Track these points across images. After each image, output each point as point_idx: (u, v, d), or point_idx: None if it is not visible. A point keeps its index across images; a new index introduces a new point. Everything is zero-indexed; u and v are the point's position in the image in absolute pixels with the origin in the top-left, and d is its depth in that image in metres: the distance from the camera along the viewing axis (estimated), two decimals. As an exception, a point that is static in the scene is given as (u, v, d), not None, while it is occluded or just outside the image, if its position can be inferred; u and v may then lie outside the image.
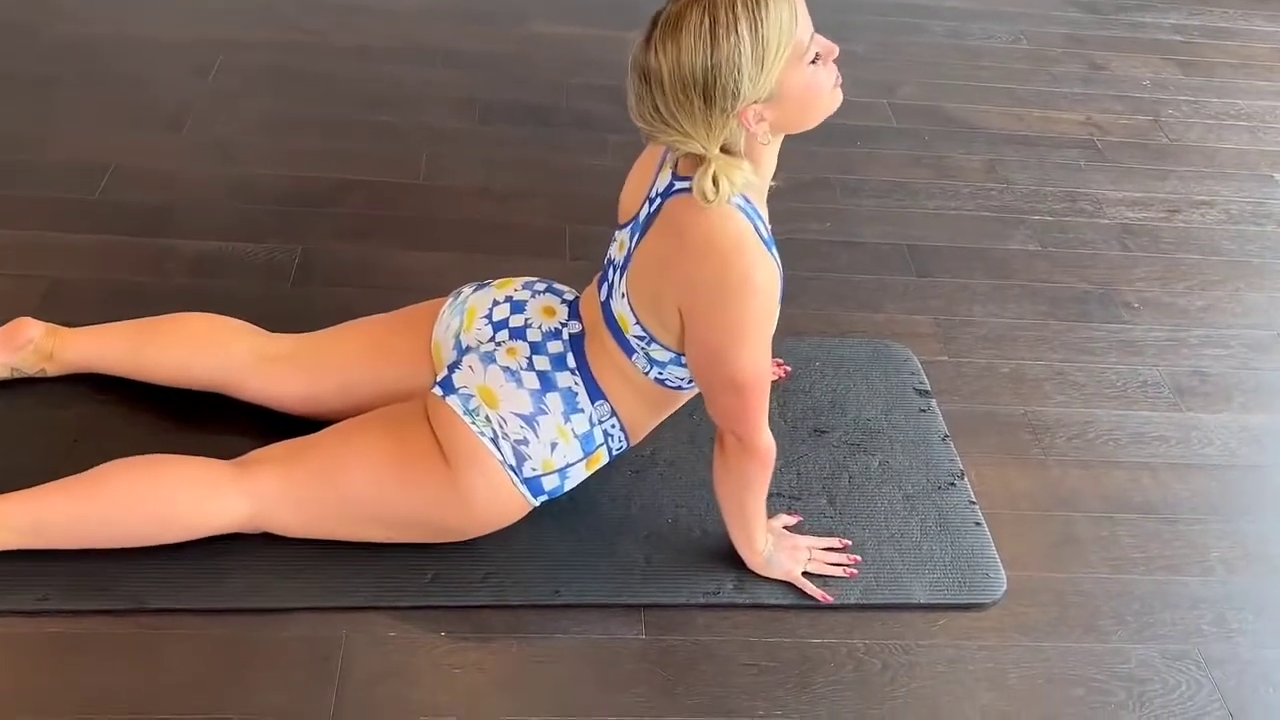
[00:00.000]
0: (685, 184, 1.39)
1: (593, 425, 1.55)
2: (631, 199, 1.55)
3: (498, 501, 1.54)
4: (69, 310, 1.90)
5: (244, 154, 2.42)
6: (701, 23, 1.26)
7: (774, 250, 1.43)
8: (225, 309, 1.81)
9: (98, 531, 1.50)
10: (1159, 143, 2.89)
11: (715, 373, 1.44)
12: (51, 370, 1.75)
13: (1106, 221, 2.56)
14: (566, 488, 1.58)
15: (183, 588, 1.50)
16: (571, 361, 1.55)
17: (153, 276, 2.05)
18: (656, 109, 1.31)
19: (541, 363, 1.55)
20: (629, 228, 1.53)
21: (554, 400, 1.53)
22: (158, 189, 2.28)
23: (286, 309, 2.00)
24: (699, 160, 1.35)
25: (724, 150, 1.34)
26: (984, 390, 2.04)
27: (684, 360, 1.50)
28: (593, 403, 1.55)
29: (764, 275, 1.38)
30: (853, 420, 1.92)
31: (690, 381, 1.56)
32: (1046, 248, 2.45)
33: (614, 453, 1.61)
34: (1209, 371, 2.15)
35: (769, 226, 1.45)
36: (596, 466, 1.60)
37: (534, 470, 1.52)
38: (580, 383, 1.55)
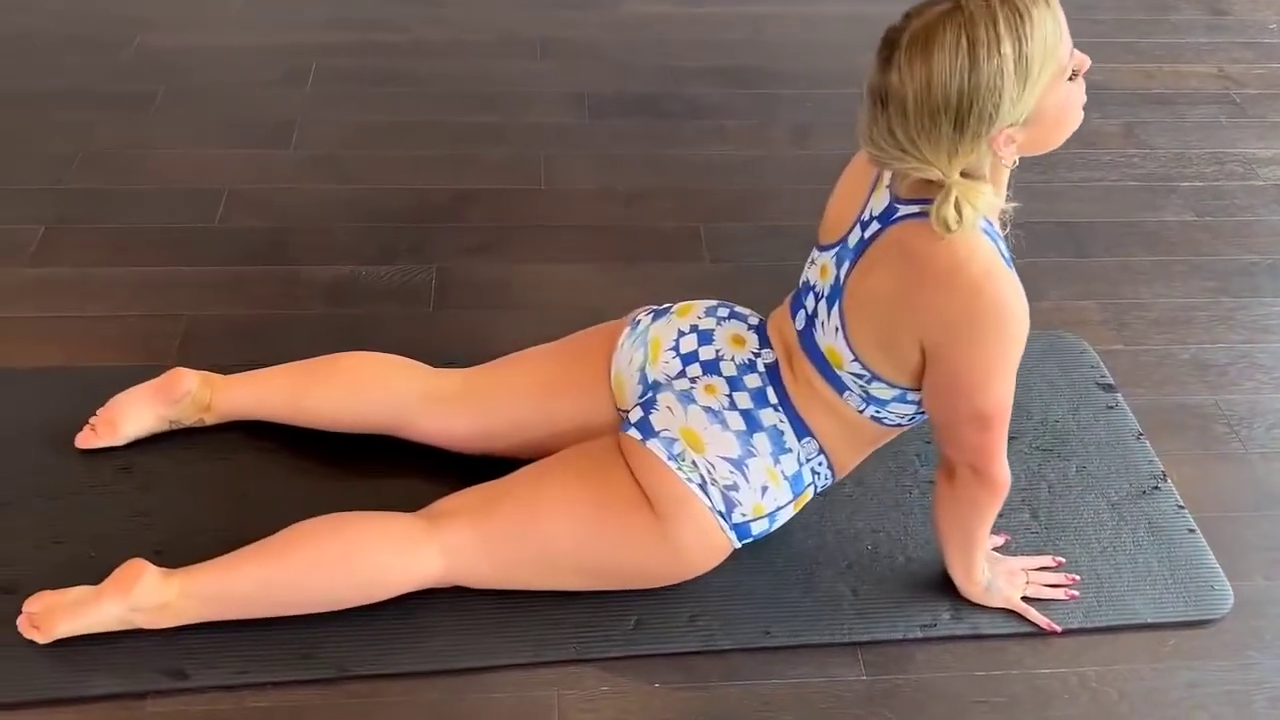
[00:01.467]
0: (913, 209, 1.29)
1: (801, 464, 1.46)
2: (837, 218, 1.43)
3: (706, 548, 1.45)
4: (212, 348, 1.84)
5: (356, 167, 2.32)
6: (959, 42, 1.14)
7: (1013, 271, 1.33)
8: (368, 338, 1.74)
9: (289, 597, 1.43)
10: (1300, 92, 2.73)
11: (961, 407, 1.34)
12: (210, 420, 1.68)
13: (1261, 183, 2.41)
14: (774, 528, 1.49)
15: (385, 651, 1.43)
16: (773, 397, 1.46)
17: (289, 307, 1.96)
18: (892, 134, 1.20)
19: (743, 400, 1.45)
20: (833, 251, 1.41)
21: (761, 441, 1.43)
22: (276, 211, 2.19)
23: (431, 333, 1.92)
24: (929, 184, 1.24)
25: (963, 174, 1.22)
26: (1168, 380, 1.92)
27: (910, 398, 1.40)
28: (799, 440, 1.45)
29: (1017, 300, 1.28)
30: (1040, 423, 1.81)
31: (911, 418, 1.46)
32: (1203, 217, 2.31)
33: (819, 490, 1.52)
34: (1407, 343, 2.02)
35: (1010, 245, 1.34)
36: (804, 505, 1.51)
37: (744, 515, 1.44)
38: (785, 420, 1.45)
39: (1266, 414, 1.87)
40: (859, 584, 1.56)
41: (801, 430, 1.45)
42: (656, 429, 1.44)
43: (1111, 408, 1.84)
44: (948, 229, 1.21)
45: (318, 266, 2.06)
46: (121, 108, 2.47)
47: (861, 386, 1.40)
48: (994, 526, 1.62)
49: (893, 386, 1.38)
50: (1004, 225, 1.33)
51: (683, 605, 1.51)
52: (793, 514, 1.50)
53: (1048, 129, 1.25)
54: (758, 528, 1.46)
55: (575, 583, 1.49)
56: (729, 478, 1.41)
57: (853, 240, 1.37)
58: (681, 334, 1.54)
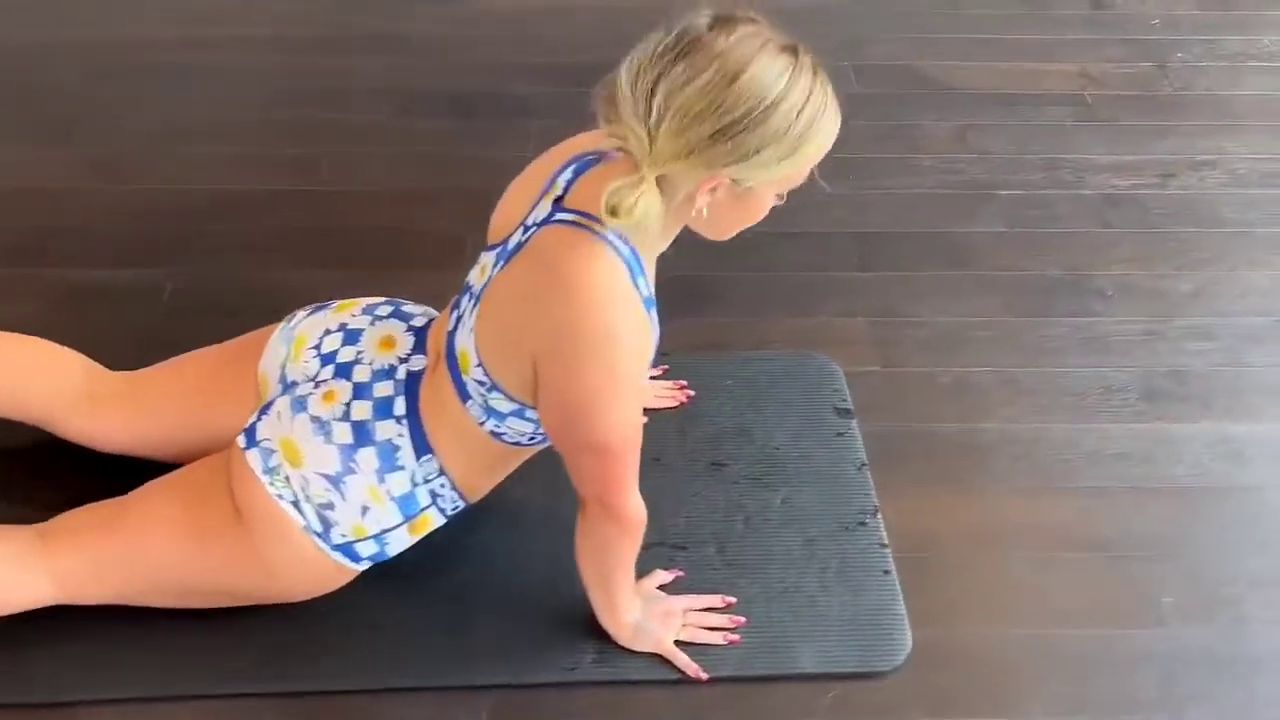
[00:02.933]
0: (569, 216, 1.23)
1: (415, 485, 1.37)
2: (506, 220, 1.35)
3: (308, 569, 1.38)
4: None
5: (133, 167, 2.27)
6: (784, 69, 1.10)
7: (653, 312, 1.28)
8: (93, 344, 1.67)
9: None
10: (1162, 94, 2.56)
11: (574, 435, 1.27)
12: None
13: (1089, 192, 2.26)
14: (391, 553, 1.41)
15: (-23, 681, 1.38)
16: (400, 407, 1.37)
17: (28, 306, 1.91)
18: (652, 93, 1.09)
19: (361, 411, 1.37)
20: (495, 251, 1.34)
21: (367, 458, 1.35)
22: (40, 211, 2.15)
23: (161, 341, 1.85)
24: (619, 173, 1.15)
25: (657, 181, 1.14)
26: (919, 405, 1.81)
27: (528, 414, 1.32)
28: (418, 458, 1.37)
29: (631, 331, 1.22)
30: (758, 449, 1.70)
31: (533, 439, 1.38)
32: (1014, 228, 2.17)
33: (448, 513, 1.43)
34: (1188, 370, 1.88)
35: (651, 287, 1.28)
36: (428, 529, 1.43)
37: (344, 536, 1.36)
38: (406, 434, 1.37)
39: (1016, 444, 1.75)
40: (503, 622, 1.47)
41: (422, 447, 1.37)
42: (259, 438, 1.37)
43: (841, 435, 1.73)
44: (612, 215, 1.12)
45: (65, 270, 2.01)
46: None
47: (483, 395, 1.32)
48: (673, 563, 1.54)
49: (510, 400, 1.30)
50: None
51: (311, 642, 1.44)
52: (413, 538, 1.42)
53: (739, 213, 1.23)
54: (366, 550, 1.38)
55: (193, 602, 1.43)
56: (324, 495, 1.34)
57: (513, 242, 1.30)
58: (328, 332, 1.46)
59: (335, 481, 1.34)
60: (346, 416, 1.36)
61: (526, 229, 1.29)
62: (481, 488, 1.44)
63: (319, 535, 1.35)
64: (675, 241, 1.31)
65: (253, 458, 1.36)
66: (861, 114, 2.45)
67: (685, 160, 1.12)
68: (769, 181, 1.18)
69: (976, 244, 2.13)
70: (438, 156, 2.32)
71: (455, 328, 1.36)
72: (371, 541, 1.38)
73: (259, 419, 1.40)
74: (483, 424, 1.36)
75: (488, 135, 2.37)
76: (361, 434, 1.36)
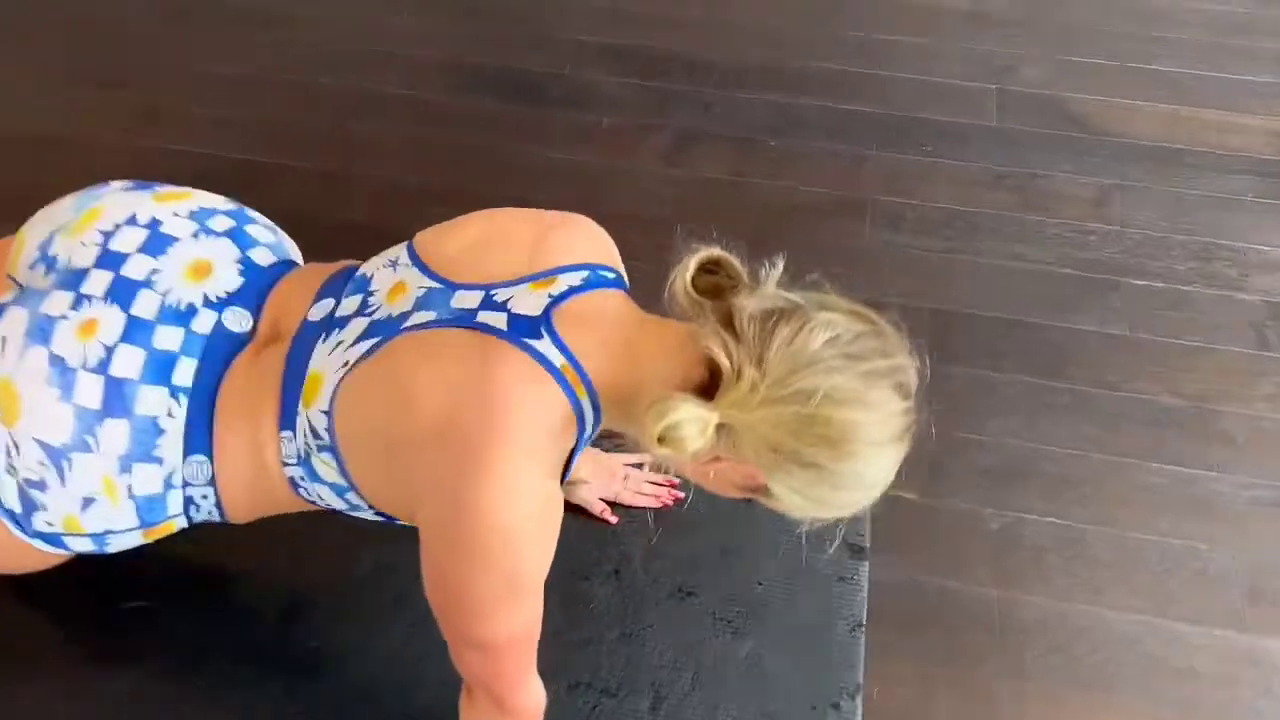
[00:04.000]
0: (547, 347, 0.96)
1: (170, 487, 1.06)
2: (466, 259, 1.04)
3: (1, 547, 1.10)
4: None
5: (167, 121, 2.12)
6: (886, 397, 0.92)
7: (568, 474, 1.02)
8: None
9: None
10: (1377, 172, 2.07)
11: (456, 628, 1.02)
12: None
13: (1249, 297, 1.83)
14: (112, 551, 1.13)
15: None
16: (185, 374, 1.03)
17: None
18: (794, 367, 0.89)
19: (128, 361, 1.02)
20: (437, 293, 1.01)
21: (114, 435, 1.02)
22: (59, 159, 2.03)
23: None
24: (659, 349, 0.97)
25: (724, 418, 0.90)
26: (952, 556, 1.48)
27: (353, 500, 1.05)
28: (188, 455, 1.05)
29: (548, 524, 0.97)
30: (738, 582, 1.42)
31: (336, 510, 1.11)
32: (1137, 331, 1.78)
33: (195, 522, 1.13)
34: (1316, 564, 1.48)
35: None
36: (166, 534, 1.13)
37: (49, 526, 1.07)
38: (185, 417, 1.04)
39: (1053, 629, 1.41)
40: None
41: (199, 443, 1.05)
42: None
43: (843, 579, 1.43)
44: (661, 441, 0.88)
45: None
46: None
47: (309, 447, 1.03)
48: (598, 709, 1.30)
49: (347, 483, 1.03)
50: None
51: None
52: (143, 541, 1.12)
53: (707, 476, 0.98)
54: (78, 545, 1.10)
55: None
56: (36, 471, 1.03)
57: (464, 306, 1.00)
58: (134, 220, 1.11)
59: (57, 457, 1.01)
60: (104, 366, 1.01)
61: (489, 305, 1.00)
62: (250, 517, 1.14)
63: (12, 518, 1.06)
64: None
65: None
66: (987, 153, 2.08)
67: (752, 434, 0.89)
68: (781, 500, 0.96)
69: (1083, 346, 1.75)
70: (482, 148, 2.07)
71: (320, 329, 1.04)
72: (88, 540, 1.09)
73: None
74: (287, 466, 1.05)
75: (545, 127, 2.11)
76: (116, 398, 1.01)
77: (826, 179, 2.01)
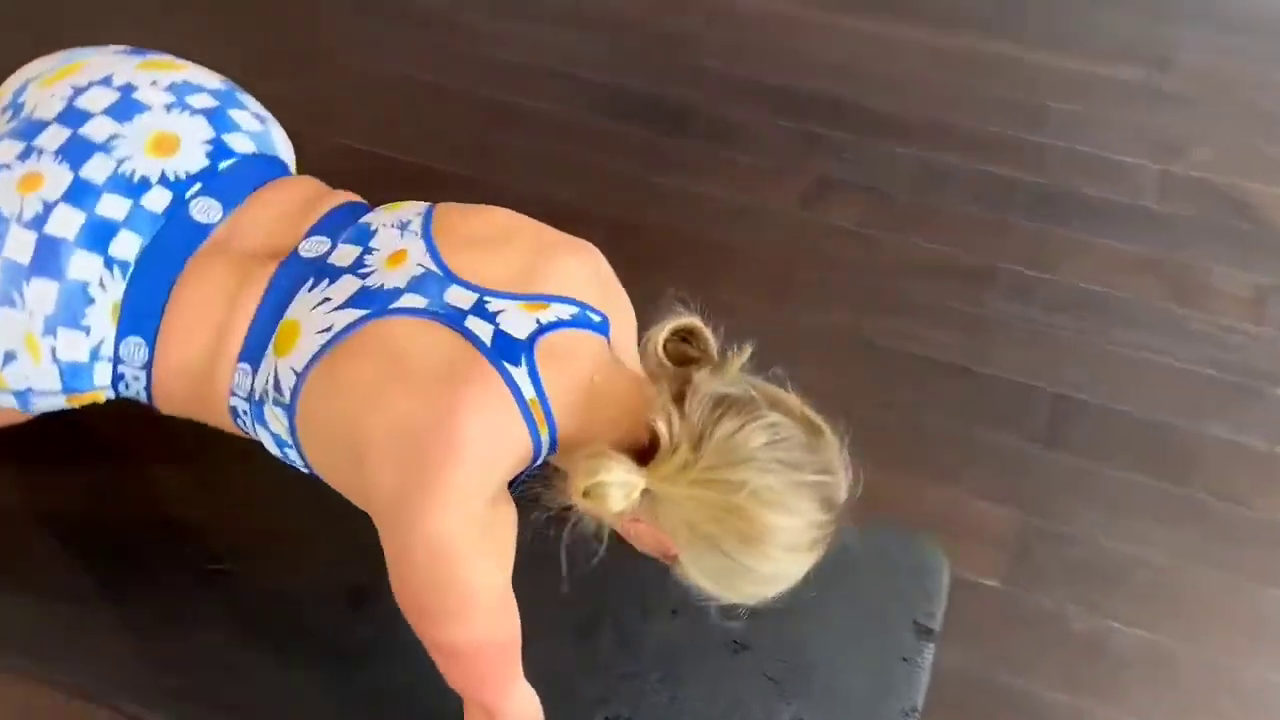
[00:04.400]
0: (524, 373, 0.97)
1: (96, 358, 1.03)
2: (476, 249, 1.05)
3: None
4: None
5: (321, 118, 2.23)
6: (809, 508, 0.94)
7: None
8: None
9: None
10: None
11: (420, 629, 1.03)
12: None
13: None
14: (37, 410, 1.11)
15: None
16: (125, 249, 0.99)
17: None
18: (732, 458, 0.91)
19: (63, 222, 0.98)
20: (432, 276, 1.01)
21: (41, 294, 0.98)
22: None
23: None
24: (620, 410, 0.98)
25: (641, 452, 0.93)
26: (1026, 654, 1.41)
27: (294, 454, 1.05)
28: (125, 335, 1.02)
29: (474, 540, 0.98)
30: (794, 643, 1.39)
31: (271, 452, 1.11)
32: (1275, 446, 1.65)
33: (121, 397, 1.12)
34: None
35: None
36: (91, 403, 1.12)
37: None
38: (119, 294, 1.00)
39: (1132, 751, 1.32)
40: None
41: (142, 328, 1.02)
42: None
43: (906, 660, 1.38)
44: (585, 495, 0.91)
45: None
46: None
47: (267, 395, 1.00)
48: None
49: (294, 444, 1.02)
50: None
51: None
52: (68, 406, 1.11)
53: (623, 524, 1.00)
54: (2, 400, 1.08)
55: None
56: None
57: (457, 302, 1.00)
58: (109, 83, 1.07)
59: None
60: (39, 223, 0.97)
61: (479, 312, 0.99)
62: (182, 415, 1.12)
63: None
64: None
65: None
66: (1139, 235, 1.98)
67: (674, 508, 0.92)
68: (687, 575, 0.99)
69: (1212, 454, 1.63)
70: (618, 171, 2.09)
71: (310, 277, 1.01)
72: (10, 396, 1.07)
73: None
74: (235, 398, 1.03)
75: (681, 159, 2.12)
76: (48, 258, 0.97)
77: (958, 240, 1.94)
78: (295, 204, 1.09)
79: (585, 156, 2.12)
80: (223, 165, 1.08)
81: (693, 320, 0.98)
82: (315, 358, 0.98)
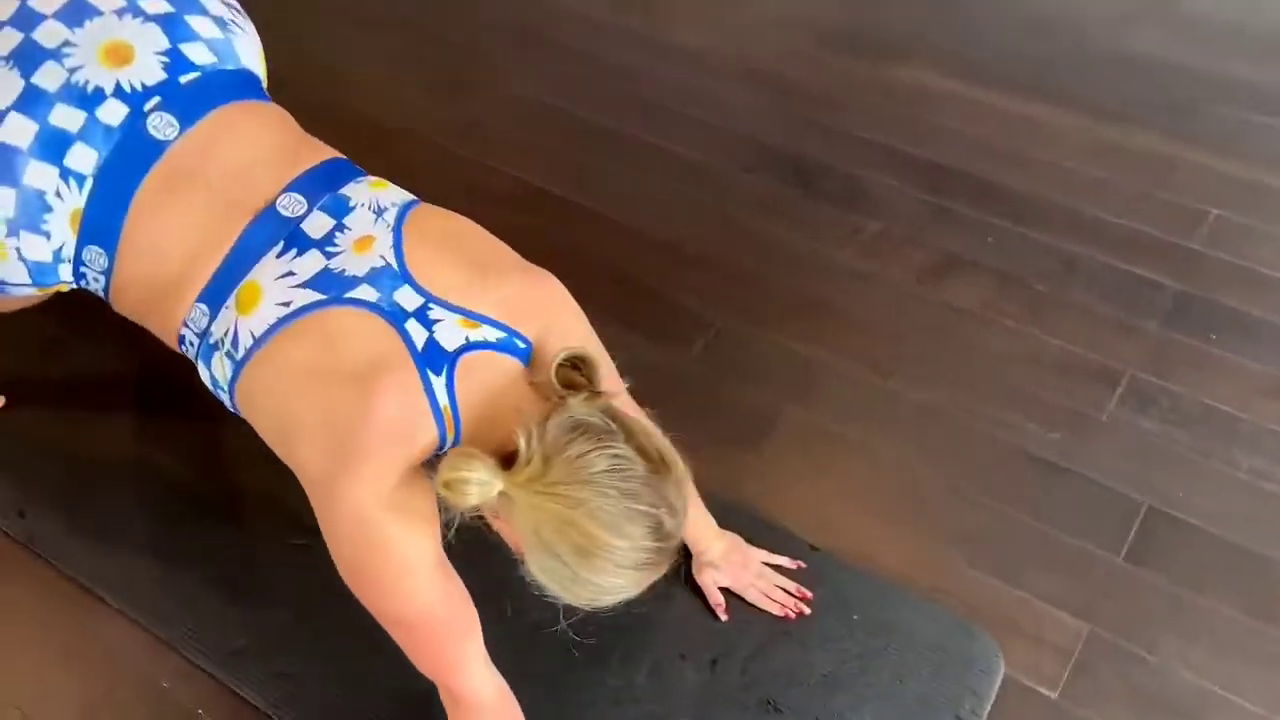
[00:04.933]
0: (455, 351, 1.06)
1: (59, 260, 1.07)
2: (436, 253, 1.11)
3: None
4: None
5: (461, 139, 2.35)
6: (640, 533, 0.98)
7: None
8: None
9: None
10: None
11: (364, 599, 1.11)
12: None
13: None
14: (13, 295, 1.17)
15: None
16: (82, 162, 1.02)
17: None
18: (575, 471, 0.98)
19: (15, 131, 0.99)
20: (389, 272, 1.07)
21: (1, 198, 1.01)
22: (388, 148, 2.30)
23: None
24: (516, 404, 1.05)
25: (509, 457, 1.00)
26: (1070, 769, 1.35)
27: (227, 400, 1.12)
28: (86, 244, 1.06)
29: (391, 519, 1.05)
30: (827, 713, 1.38)
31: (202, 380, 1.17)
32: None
33: (85, 289, 1.16)
34: None
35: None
36: (59, 292, 1.20)
37: None
38: (80, 205, 1.03)
39: None
40: None
41: (103, 239, 1.05)
42: None
43: (941, 754, 1.34)
44: (446, 487, 0.98)
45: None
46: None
47: (220, 343, 1.07)
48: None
49: (231, 394, 1.10)
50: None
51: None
52: (39, 295, 1.20)
53: (508, 529, 1.05)
54: None
55: None
56: None
57: (403, 302, 1.07)
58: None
59: None
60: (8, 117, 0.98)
61: (420, 317, 1.06)
62: (134, 320, 1.16)
63: None
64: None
65: None
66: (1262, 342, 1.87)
67: (523, 513, 0.98)
68: (531, 573, 1.03)
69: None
70: (741, 221, 2.13)
71: (280, 241, 1.06)
72: None
73: None
74: (186, 329, 1.09)
75: (810, 216, 2.14)
76: (4, 165, 0.99)
77: (1083, 339, 1.89)
78: (274, 150, 1.11)
79: (712, 202, 2.16)
80: (184, 79, 1.07)
81: (585, 350, 1.05)
82: (272, 329, 1.04)
